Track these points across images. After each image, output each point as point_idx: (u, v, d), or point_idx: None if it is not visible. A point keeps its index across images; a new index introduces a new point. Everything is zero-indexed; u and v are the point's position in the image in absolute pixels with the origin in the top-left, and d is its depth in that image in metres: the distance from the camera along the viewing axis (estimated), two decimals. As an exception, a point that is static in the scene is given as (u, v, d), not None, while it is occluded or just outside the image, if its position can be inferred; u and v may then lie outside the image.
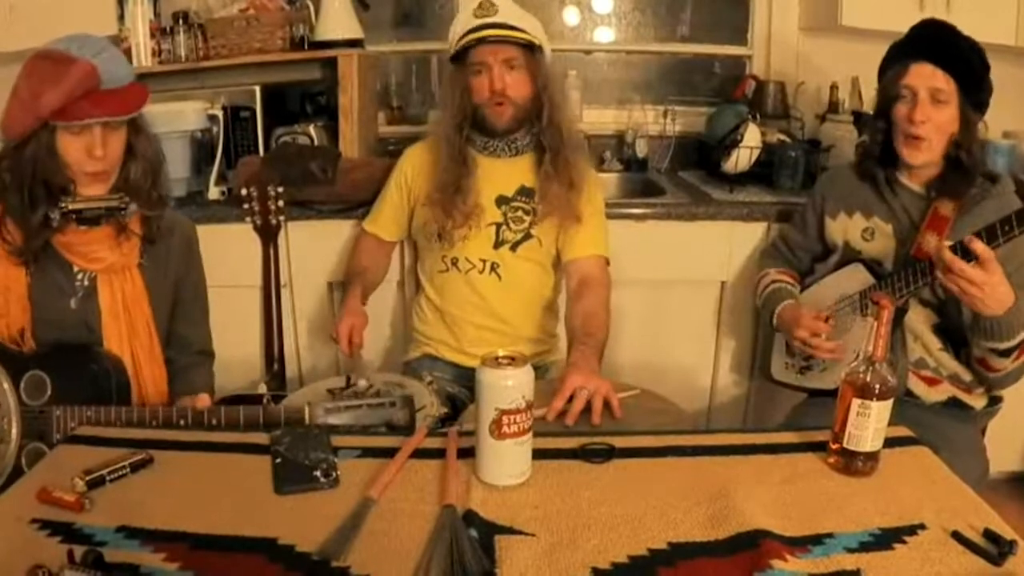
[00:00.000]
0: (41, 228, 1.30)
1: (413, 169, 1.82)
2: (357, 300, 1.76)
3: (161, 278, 1.50)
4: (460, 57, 1.69)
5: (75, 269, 1.39)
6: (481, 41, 1.63)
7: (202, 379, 1.60)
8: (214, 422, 1.18)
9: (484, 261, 1.74)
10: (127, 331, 1.42)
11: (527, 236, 1.74)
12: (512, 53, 1.65)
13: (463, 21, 1.67)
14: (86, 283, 1.40)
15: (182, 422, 1.17)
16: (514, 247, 1.74)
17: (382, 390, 1.21)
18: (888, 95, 1.52)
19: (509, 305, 1.76)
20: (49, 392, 1.21)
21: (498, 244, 1.74)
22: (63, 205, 1.30)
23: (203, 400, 1.28)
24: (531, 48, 1.67)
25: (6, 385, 1.21)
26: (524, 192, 1.74)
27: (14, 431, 1.19)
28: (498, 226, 1.74)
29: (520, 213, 1.74)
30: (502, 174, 1.74)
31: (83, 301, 1.39)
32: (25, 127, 1.25)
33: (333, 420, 1.17)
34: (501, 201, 1.74)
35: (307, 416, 1.18)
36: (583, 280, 1.70)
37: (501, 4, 1.65)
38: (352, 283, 1.82)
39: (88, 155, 1.28)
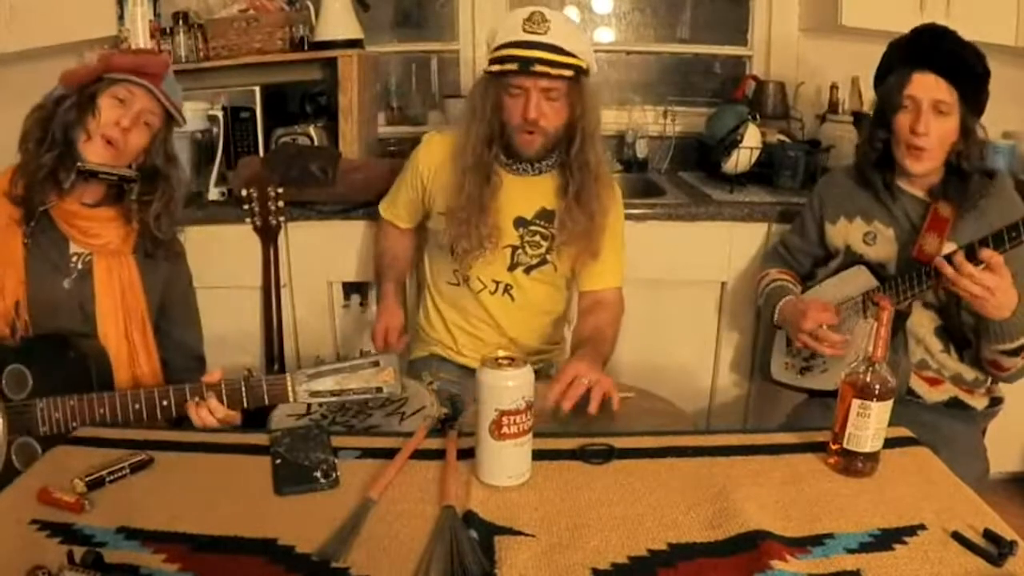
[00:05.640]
0: (48, 182, 1.34)
1: (429, 166, 1.70)
2: (391, 299, 1.74)
3: (152, 273, 1.49)
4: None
5: (71, 249, 1.40)
6: (524, 69, 1.47)
7: None
8: (197, 400, 1.17)
9: (497, 283, 1.69)
10: (123, 316, 1.42)
11: (543, 261, 1.68)
12: (554, 84, 1.51)
13: (509, 29, 1.51)
14: (80, 266, 1.41)
15: (164, 402, 1.17)
16: (528, 270, 1.69)
17: (363, 351, 1.20)
18: (889, 104, 1.50)
19: (519, 324, 1.74)
20: (30, 385, 1.21)
21: (513, 266, 1.68)
22: (80, 164, 1.35)
23: (215, 376, 1.26)
24: (576, 73, 1.51)
25: None
26: (544, 215, 1.66)
27: (0, 428, 1.19)
28: (514, 248, 1.67)
29: (538, 237, 1.67)
30: (523, 194, 1.65)
31: (77, 283, 1.40)
32: (84, 77, 1.36)
33: (316, 386, 1.15)
34: (519, 223, 1.66)
35: (290, 386, 1.15)
36: (597, 303, 1.68)
37: (554, 21, 1.49)
38: (383, 278, 1.80)
39: (116, 121, 1.36)
